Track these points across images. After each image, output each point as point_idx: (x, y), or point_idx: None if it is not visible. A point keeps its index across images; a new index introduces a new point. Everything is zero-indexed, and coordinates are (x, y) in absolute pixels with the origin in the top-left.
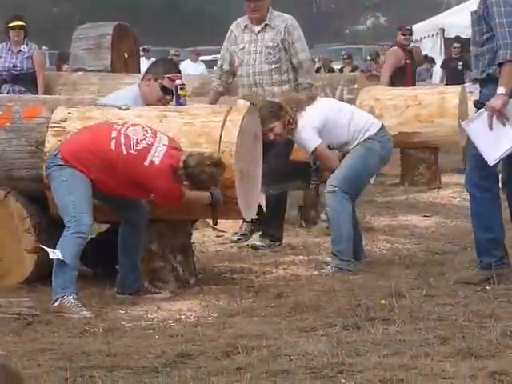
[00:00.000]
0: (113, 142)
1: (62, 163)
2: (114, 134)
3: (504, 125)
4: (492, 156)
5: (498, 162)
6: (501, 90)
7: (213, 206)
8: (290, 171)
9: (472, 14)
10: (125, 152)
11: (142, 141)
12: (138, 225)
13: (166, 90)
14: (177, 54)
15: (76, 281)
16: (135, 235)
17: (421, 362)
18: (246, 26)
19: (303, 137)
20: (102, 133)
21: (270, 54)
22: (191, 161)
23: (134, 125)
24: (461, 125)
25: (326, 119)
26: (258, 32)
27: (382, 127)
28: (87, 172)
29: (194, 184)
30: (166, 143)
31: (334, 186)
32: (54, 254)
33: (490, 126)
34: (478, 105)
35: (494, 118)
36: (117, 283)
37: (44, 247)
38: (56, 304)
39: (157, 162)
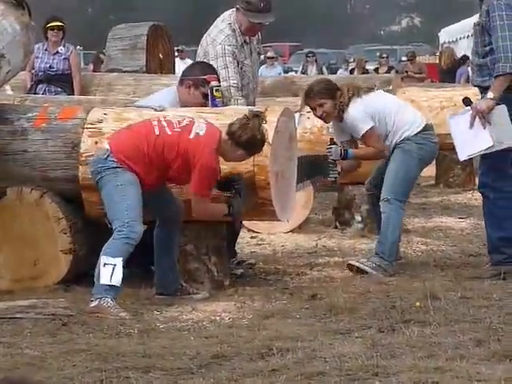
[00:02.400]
0: (156, 129)
1: (116, 165)
2: (155, 123)
3: (484, 127)
4: (464, 152)
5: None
6: (490, 95)
7: (231, 216)
8: (306, 166)
9: (475, 25)
10: (169, 132)
11: (183, 121)
12: (174, 223)
13: (207, 97)
14: None
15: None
16: (172, 235)
17: (456, 365)
18: (244, 41)
19: (355, 118)
20: (145, 126)
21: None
22: (233, 127)
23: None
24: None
25: (377, 111)
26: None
27: (426, 128)
28: (139, 170)
29: (247, 148)
30: (205, 122)
31: (387, 198)
32: (106, 260)
33: (471, 125)
34: (467, 102)
35: (477, 118)
36: (155, 284)
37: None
38: (93, 304)
39: (201, 134)
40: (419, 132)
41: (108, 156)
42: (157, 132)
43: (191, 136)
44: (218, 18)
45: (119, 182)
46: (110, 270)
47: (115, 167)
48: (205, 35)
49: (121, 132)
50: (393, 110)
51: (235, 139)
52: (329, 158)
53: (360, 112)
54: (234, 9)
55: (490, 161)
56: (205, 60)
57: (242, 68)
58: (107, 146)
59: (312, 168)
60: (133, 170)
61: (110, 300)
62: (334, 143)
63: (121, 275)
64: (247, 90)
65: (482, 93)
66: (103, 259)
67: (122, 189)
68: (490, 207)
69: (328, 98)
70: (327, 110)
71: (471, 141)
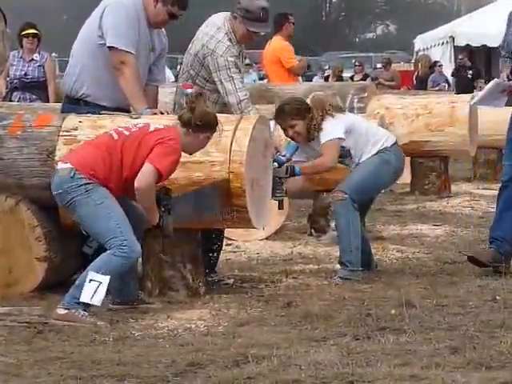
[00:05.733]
0: (114, 134)
1: (85, 182)
2: (111, 131)
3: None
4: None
5: None
6: None
7: (160, 230)
8: None
9: None
10: (127, 132)
11: (138, 124)
12: (136, 232)
13: (172, 16)
14: None
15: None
16: None
17: (431, 373)
18: (240, 52)
19: (330, 126)
20: (102, 137)
21: None
22: (184, 116)
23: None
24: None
25: (352, 127)
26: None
27: (396, 142)
28: (107, 181)
29: (205, 127)
30: (163, 124)
31: (345, 193)
32: (93, 276)
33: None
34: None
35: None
36: (115, 292)
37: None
38: (62, 312)
39: (160, 127)
40: (393, 144)
41: (74, 174)
42: (115, 137)
43: (150, 129)
44: (204, 24)
45: (97, 199)
46: (94, 287)
47: (85, 184)
48: (198, 46)
49: (78, 150)
50: (365, 123)
51: (192, 124)
52: (274, 176)
53: (335, 124)
54: (227, 15)
55: None
56: (201, 72)
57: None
58: (69, 165)
59: None
60: (102, 183)
61: (81, 311)
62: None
63: (103, 295)
64: None
65: None
66: (91, 275)
67: (103, 206)
68: None
69: (299, 119)
70: (298, 131)
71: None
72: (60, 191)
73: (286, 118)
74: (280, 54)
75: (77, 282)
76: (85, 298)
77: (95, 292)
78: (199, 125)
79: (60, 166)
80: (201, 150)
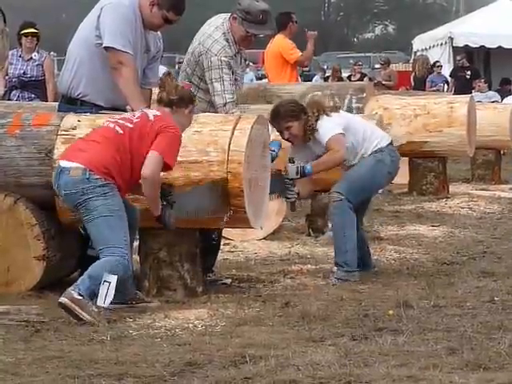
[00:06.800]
0: (118, 128)
1: (102, 183)
2: (111, 124)
3: None
4: None
5: None
6: None
7: (161, 223)
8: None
9: None
10: (130, 125)
11: (135, 114)
12: (131, 229)
13: (168, 21)
14: (182, 61)
15: None
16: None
17: (429, 374)
18: (237, 52)
19: (327, 126)
20: (105, 132)
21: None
22: (163, 96)
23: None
24: None
25: (347, 122)
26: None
27: (392, 142)
28: (119, 178)
29: (184, 100)
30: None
31: (341, 195)
32: (107, 277)
33: None
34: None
35: None
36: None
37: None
38: (76, 296)
39: (158, 113)
40: (389, 144)
41: (90, 175)
42: (120, 131)
43: (150, 118)
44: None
45: (115, 205)
46: (106, 289)
47: (102, 185)
48: (195, 44)
49: (82, 147)
50: (362, 123)
51: (173, 101)
52: (284, 177)
53: (331, 122)
54: (227, 16)
55: None
56: (196, 70)
57: (235, 78)
58: (80, 165)
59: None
60: (115, 181)
61: (92, 305)
62: (292, 162)
63: (112, 296)
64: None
65: None
66: (105, 276)
67: (120, 215)
68: None
69: (294, 121)
70: (294, 132)
71: None
72: (73, 191)
73: (281, 121)
74: (282, 49)
75: (90, 272)
76: (100, 301)
77: (106, 294)
78: (178, 99)
79: (66, 164)
80: (188, 126)
